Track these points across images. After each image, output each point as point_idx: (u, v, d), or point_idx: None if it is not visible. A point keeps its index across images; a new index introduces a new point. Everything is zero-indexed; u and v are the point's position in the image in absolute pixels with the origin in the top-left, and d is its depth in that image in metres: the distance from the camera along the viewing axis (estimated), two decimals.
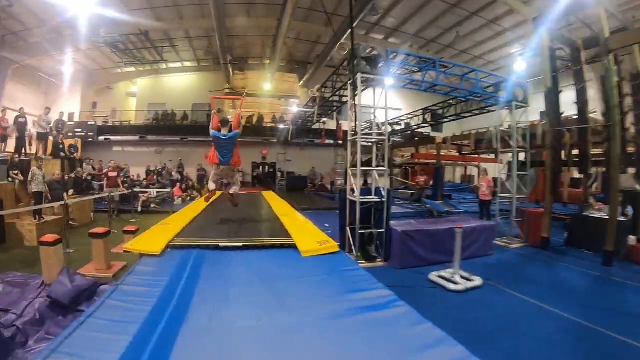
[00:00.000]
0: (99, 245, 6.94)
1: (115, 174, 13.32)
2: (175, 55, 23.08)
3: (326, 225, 9.33)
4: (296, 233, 5.28)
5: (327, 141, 22.51)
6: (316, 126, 22.96)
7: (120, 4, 16.40)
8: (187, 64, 24.78)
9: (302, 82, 25.53)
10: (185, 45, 21.61)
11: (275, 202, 9.47)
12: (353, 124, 8.40)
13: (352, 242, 7.22)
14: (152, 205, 13.79)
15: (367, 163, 8.22)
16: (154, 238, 4.83)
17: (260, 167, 25.20)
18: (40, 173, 9.92)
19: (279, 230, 5.75)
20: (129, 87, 26.24)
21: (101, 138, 23.12)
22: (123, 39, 19.21)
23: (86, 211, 12.08)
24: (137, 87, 25.90)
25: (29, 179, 9.61)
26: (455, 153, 21.93)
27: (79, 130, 22.83)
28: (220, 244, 4.76)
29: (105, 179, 13.17)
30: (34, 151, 13.95)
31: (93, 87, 24.93)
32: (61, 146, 14.02)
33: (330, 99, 12.17)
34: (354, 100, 8.20)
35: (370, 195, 7.48)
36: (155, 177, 18.69)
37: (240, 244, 4.80)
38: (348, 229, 7.36)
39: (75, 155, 15.09)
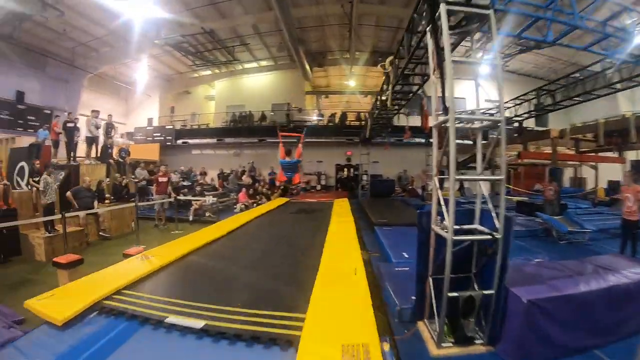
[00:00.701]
0: (62, 277, 4.88)
1: (165, 179, 11.90)
2: (248, 55, 21.42)
3: (405, 255, 6.10)
4: (319, 312, 2.80)
5: (418, 140, 19.46)
6: (402, 122, 20.03)
7: (177, 3, 15.10)
8: (263, 63, 23.05)
9: None
10: (257, 42, 19.71)
11: (338, 222, 6.68)
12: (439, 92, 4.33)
13: (434, 306, 3.70)
14: (208, 214, 11.84)
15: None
16: (79, 290, 3.39)
17: (345, 170, 22.73)
18: (52, 181, 8.35)
19: (292, 299, 3.19)
20: (207, 91, 25.42)
21: (179, 142, 22.54)
22: (187, 40, 18.02)
23: (125, 220, 10.52)
24: (215, 91, 24.94)
25: (42, 188, 8.05)
26: (569, 150, 17.39)
27: (158, 134, 22.56)
28: (168, 320, 2.83)
29: (155, 184, 11.83)
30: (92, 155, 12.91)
31: (171, 92, 24.61)
32: (110, 150, 12.72)
33: (410, 78, 8.98)
34: (436, 49, 4.33)
35: (471, 222, 3.96)
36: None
37: (200, 326, 2.72)
38: (430, 281, 3.75)
39: (126, 159, 13.75)
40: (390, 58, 8.76)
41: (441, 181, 4.16)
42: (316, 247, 4.50)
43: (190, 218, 11.56)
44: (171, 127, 22.83)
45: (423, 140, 19.63)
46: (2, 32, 14.69)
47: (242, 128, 22.24)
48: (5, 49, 15.79)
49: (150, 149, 21.95)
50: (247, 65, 23.14)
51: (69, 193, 9.19)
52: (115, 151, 13.85)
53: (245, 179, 16.75)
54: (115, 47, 18.18)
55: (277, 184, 16.69)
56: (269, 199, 15.28)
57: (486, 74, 21.83)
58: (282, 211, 9.23)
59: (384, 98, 10.45)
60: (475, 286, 3.75)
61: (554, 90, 12.10)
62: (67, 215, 8.59)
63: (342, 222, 6.22)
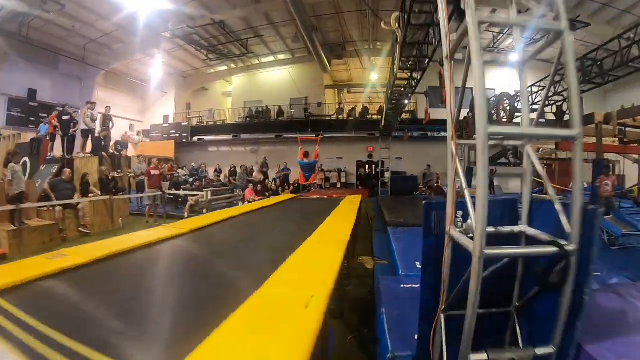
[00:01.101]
0: None
1: (157, 172, 11.07)
2: (264, 48, 20.28)
3: (418, 266, 4.18)
4: None
5: (444, 134, 17.63)
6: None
7: None
8: (281, 56, 21.85)
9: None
10: (272, 34, 18.49)
11: (334, 222, 5.25)
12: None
13: None
14: (205, 211, 10.67)
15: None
16: None
17: (367, 166, 21.30)
18: (20, 170, 7.38)
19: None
20: (225, 87, 24.56)
21: (195, 139, 21.73)
22: (197, 32, 17.09)
23: (112, 215, 9.50)
24: (232, 87, 23.99)
25: (9, 178, 7.07)
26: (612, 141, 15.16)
27: (173, 132, 21.79)
28: None
29: (147, 178, 10.82)
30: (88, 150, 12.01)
31: (188, 89, 23.91)
32: (103, 143, 11.73)
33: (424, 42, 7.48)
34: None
35: (514, 222, 2.32)
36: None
37: None
38: (442, 320, 2.13)
39: (122, 152, 12.79)
40: (396, 14, 7.32)
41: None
42: (278, 258, 2.83)
43: (185, 215, 10.38)
44: (186, 123, 22.07)
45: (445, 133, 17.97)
46: (8, 29, 14.18)
47: (259, 124, 21.20)
48: (16, 47, 15.57)
49: (165, 146, 21.37)
50: (263, 60, 22.05)
51: (46, 185, 8.34)
52: (112, 145, 12.92)
53: (256, 175, 15.56)
54: (125, 43, 17.65)
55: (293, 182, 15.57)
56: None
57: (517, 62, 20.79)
58: (278, 208, 7.92)
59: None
60: (519, 337, 2.13)
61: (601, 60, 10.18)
62: (40, 206, 7.71)
63: (337, 222, 4.80)
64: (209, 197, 10.92)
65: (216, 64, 21.75)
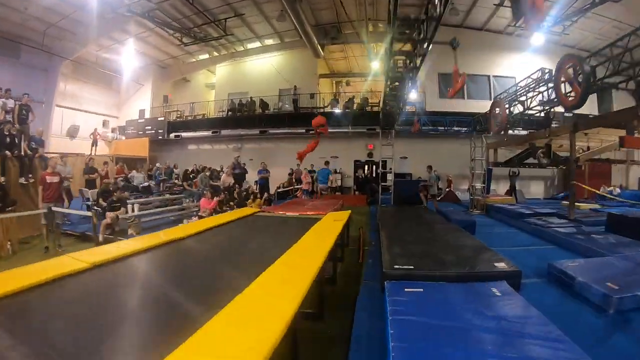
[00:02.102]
0: None
1: (56, 179, 7.94)
2: (247, 31, 17.46)
3: None
4: None
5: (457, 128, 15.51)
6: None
7: None
8: (268, 41, 19.01)
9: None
10: (254, 12, 15.62)
11: (284, 271, 2.65)
12: None
13: None
14: (130, 232, 7.89)
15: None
16: None
17: (366, 167, 18.44)
18: None
19: None
20: (208, 78, 21.83)
21: (172, 136, 19.13)
22: (160, 8, 14.43)
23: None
24: (215, 77, 21.31)
25: None
26: None
27: (149, 127, 19.19)
28: None
29: (41, 187, 7.80)
30: None
31: (167, 80, 21.25)
32: (14, 139, 8.88)
33: None
34: None
35: None
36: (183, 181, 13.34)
37: None
38: None
39: (37, 151, 9.79)
40: None
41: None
42: None
43: (100, 238, 7.32)
44: (162, 118, 19.46)
45: (464, 130, 15.02)
46: None
47: (241, 118, 18.45)
48: None
49: (139, 144, 18.78)
50: (249, 45, 19.28)
51: None
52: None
53: (225, 179, 12.67)
54: (87, 26, 14.95)
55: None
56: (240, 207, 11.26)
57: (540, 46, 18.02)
58: (213, 235, 5.31)
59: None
60: None
61: None
62: None
63: (285, 275, 2.31)
64: (135, 212, 8.16)
65: (196, 52, 19.14)
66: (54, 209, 7.23)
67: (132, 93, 21.11)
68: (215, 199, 10.30)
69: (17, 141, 8.86)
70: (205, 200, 10.23)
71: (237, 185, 12.52)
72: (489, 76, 17.73)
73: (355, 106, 18.04)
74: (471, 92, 17.31)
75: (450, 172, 16.66)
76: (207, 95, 21.61)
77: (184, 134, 19.19)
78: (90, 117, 19.40)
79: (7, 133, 8.64)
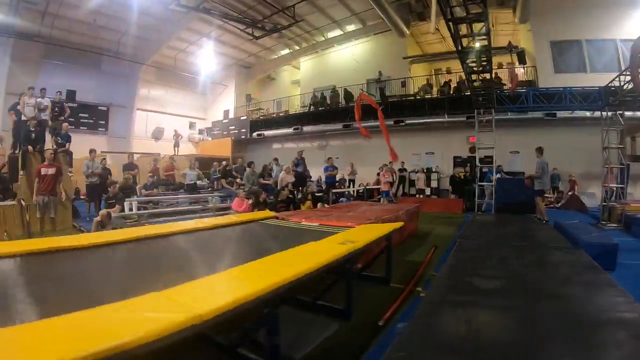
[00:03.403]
0: None
1: (51, 171, 7.41)
2: (322, 17, 15.57)
3: None
4: None
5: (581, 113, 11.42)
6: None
7: None
8: (349, 27, 16.84)
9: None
10: None
11: None
12: None
13: None
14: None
15: None
16: None
17: (468, 165, 15.03)
18: None
19: None
20: (294, 75, 20.55)
21: (255, 135, 18.38)
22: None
23: None
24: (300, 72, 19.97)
25: None
26: None
27: (233, 127, 18.73)
28: None
29: (37, 179, 7.32)
30: None
31: (251, 79, 20.62)
32: (39, 135, 8.45)
33: None
34: None
35: None
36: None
37: None
38: None
39: (64, 146, 9.25)
40: None
41: None
42: None
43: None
44: (245, 117, 18.76)
45: (588, 114, 10.91)
46: (27, 31, 12.51)
47: (322, 112, 16.70)
48: (52, 51, 14.73)
49: (223, 144, 18.43)
50: (330, 34, 17.41)
51: None
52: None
53: (285, 177, 10.86)
54: (155, 29, 15.26)
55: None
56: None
57: None
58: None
59: None
60: None
61: None
62: None
63: None
64: (117, 213, 6.96)
65: (275, 47, 18.00)
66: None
67: (218, 94, 21.10)
68: (249, 200, 8.65)
69: (42, 137, 8.70)
70: (239, 201, 8.64)
71: (302, 185, 10.68)
72: (615, 40, 12.98)
73: (451, 90, 14.87)
74: (594, 63, 12.85)
75: (574, 170, 12.46)
76: (293, 92, 20.38)
77: (267, 133, 18.20)
78: (177, 120, 19.82)
79: (32, 129, 8.48)
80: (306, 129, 17.02)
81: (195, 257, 3.86)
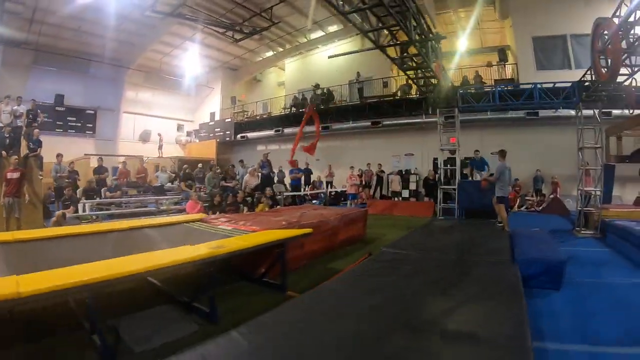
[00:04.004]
0: None
1: (16, 175, 7.80)
2: (301, 18, 15.49)
3: None
4: None
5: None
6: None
7: None
8: (332, 28, 16.83)
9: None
10: None
11: None
12: None
13: None
14: None
15: None
16: None
17: (448, 167, 14.81)
18: None
19: None
20: (280, 77, 20.69)
21: (238, 137, 18.62)
22: (192, 5, 13.66)
23: None
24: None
25: None
26: None
27: (218, 129, 19.03)
28: None
29: (4, 183, 7.81)
30: None
31: (238, 81, 20.88)
32: (13, 141, 9.12)
33: None
34: None
35: None
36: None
37: None
38: None
39: (35, 151, 9.56)
40: None
41: None
42: None
43: None
44: (229, 120, 19.00)
45: (573, 112, 10.54)
46: (15, 39, 13.01)
47: (301, 114, 16.78)
48: (41, 57, 15.31)
49: (208, 146, 18.78)
50: (313, 36, 17.40)
51: None
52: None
53: (249, 179, 11.02)
54: (136, 34, 15.68)
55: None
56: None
57: None
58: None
59: None
60: None
61: None
62: None
63: None
64: (72, 214, 7.27)
65: (259, 50, 18.14)
66: None
67: (205, 97, 21.41)
68: (201, 203, 8.85)
69: (16, 142, 9.25)
70: (192, 203, 8.83)
71: (267, 188, 10.79)
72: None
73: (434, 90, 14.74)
74: (579, 59, 12.44)
75: (558, 171, 12.15)
76: (279, 93, 20.52)
77: (250, 135, 18.37)
78: (165, 122, 20.24)
79: (6, 135, 9.13)
80: (287, 130, 17.08)
81: (87, 251, 4.06)
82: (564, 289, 4.46)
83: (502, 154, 7.90)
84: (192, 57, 17.47)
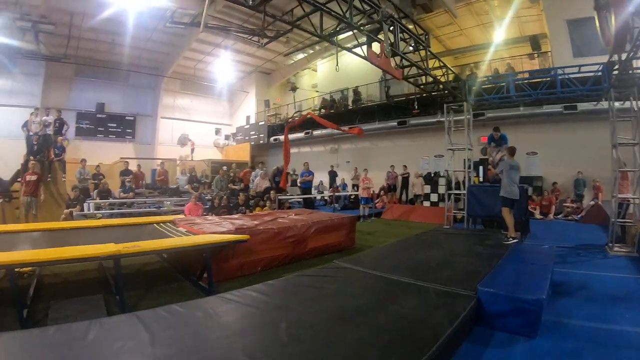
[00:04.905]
0: None
1: (34, 178, 9.05)
2: (327, 18, 15.58)
3: None
4: None
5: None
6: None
7: None
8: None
9: None
10: None
11: None
12: None
13: None
14: None
15: None
16: None
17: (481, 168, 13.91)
18: None
19: None
20: (313, 79, 20.85)
21: (272, 139, 19.23)
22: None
23: None
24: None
25: None
26: None
27: (253, 133, 19.78)
28: None
29: (23, 184, 9.16)
30: None
31: (272, 85, 21.42)
32: (41, 147, 10.31)
33: None
34: None
35: None
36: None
37: None
38: None
39: (62, 156, 11.04)
40: None
41: None
42: None
43: None
44: (263, 123, 19.62)
45: (617, 104, 9.26)
46: (55, 54, 14.58)
47: (330, 115, 16.82)
48: (84, 70, 17.12)
49: (243, 148, 19.66)
50: (342, 36, 17.33)
51: None
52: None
53: (259, 182, 11.34)
54: (167, 43, 16.86)
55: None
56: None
57: None
58: None
59: None
60: None
61: None
62: None
63: None
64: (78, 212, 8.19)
65: (290, 53, 18.41)
66: None
67: (241, 101, 22.36)
68: (201, 205, 9.26)
69: (44, 148, 10.46)
70: (190, 205, 9.25)
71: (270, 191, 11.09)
72: None
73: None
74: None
75: (600, 173, 10.78)
76: (313, 95, 20.74)
77: (282, 137, 18.75)
78: (203, 126, 21.42)
79: (35, 142, 10.41)
80: (316, 132, 17.24)
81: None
82: (545, 336, 3.38)
83: (511, 151, 7.12)
84: (223, 63, 18.26)
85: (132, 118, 18.61)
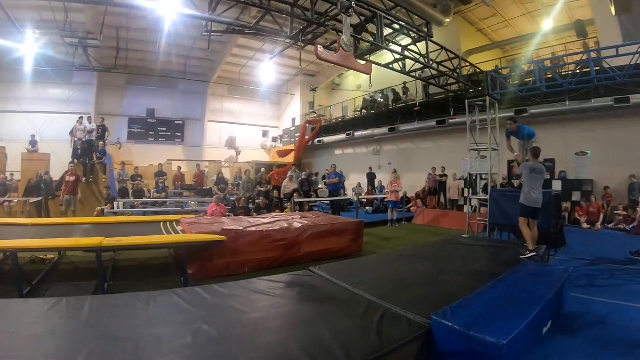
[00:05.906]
0: None
1: (72, 179, 10.56)
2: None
3: None
4: None
5: None
6: None
7: None
8: (395, 25, 16.60)
9: None
10: None
11: None
12: None
13: None
14: None
15: None
16: None
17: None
18: None
19: None
20: (358, 79, 20.97)
21: (316, 141, 19.68)
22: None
23: None
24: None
25: None
26: None
27: (298, 134, 20.33)
28: None
29: (64, 185, 10.73)
30: None
31: (315, 86, 21.71)
32: (85, 152, 11.83)
33: None
34: None
35: None
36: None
37: None
38: None
39: (101, 160, 12.20)
40: None
41: None
42: None
43: None
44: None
45: None
46: (105, 65, 16.19)
47: (372, 116, 16.99)
48: (132, 77, 18.82)
49: (287, 151, 20.22)
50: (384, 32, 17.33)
51: None
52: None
53: (288, 184, 11.90)
54: (216, 51, 18.05)
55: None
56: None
57: None
58: None
59: None
60: None
61: None
62: None
63: None
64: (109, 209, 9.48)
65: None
66: None
67: (288, 103, 23.32)
68: (223, 206, 9.97)
69: (87, 152, 11.96)
70: (213, 205, 9.93)
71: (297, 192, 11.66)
72: None
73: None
74: None
75: None
76: (357, 96, 20.92)
77: (325, 139, 19.25)
78: (251, 129, 22.68)
79: (79, 147, 11.95)
80: (357, 134, 17.47)
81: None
82: None
83: (535, 152, 6.39)
84: (267, 67, 19.12)
85: (180, 122, 20.31)
